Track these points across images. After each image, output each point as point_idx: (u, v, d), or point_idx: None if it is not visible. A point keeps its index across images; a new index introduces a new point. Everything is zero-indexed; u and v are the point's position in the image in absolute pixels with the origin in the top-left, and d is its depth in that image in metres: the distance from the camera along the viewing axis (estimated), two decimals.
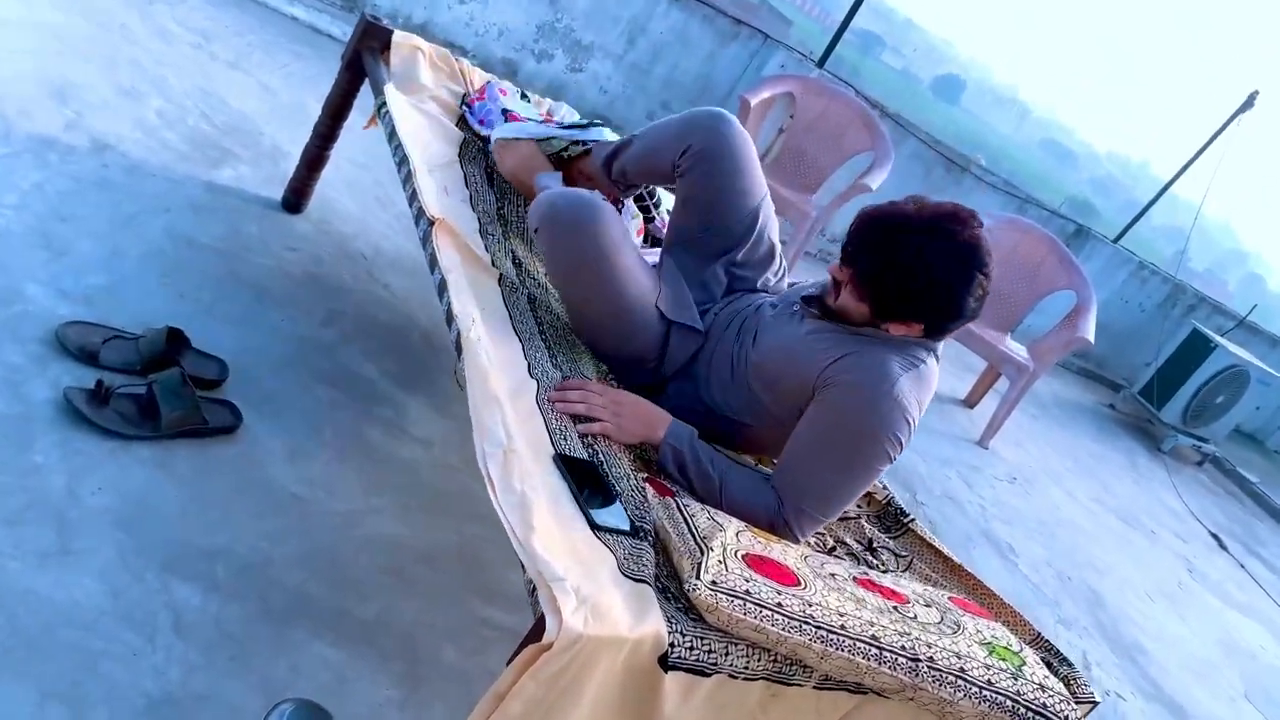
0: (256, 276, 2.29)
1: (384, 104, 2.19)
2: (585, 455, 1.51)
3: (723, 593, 1.22)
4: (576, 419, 1.58)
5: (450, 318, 1.64)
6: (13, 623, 1.34)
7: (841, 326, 1.73)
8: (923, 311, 1.65)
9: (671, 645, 1.16)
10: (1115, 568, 4.08)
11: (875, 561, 1.79)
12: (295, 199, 2.61)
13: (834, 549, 1.78)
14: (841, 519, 1.89)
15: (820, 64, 4.98)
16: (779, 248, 2.04)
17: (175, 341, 1.88)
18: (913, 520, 1.93)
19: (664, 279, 1.89)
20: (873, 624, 1.30)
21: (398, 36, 2.43)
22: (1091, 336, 4.27)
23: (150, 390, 1.74)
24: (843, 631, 1.26)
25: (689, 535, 1.34)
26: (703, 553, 1.27)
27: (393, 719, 1.53)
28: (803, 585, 1.31)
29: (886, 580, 1.50)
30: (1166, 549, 4.78)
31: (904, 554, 1.86)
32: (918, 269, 1.60)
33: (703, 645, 1.20)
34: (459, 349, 1.58)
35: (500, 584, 1.89)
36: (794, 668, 1.27)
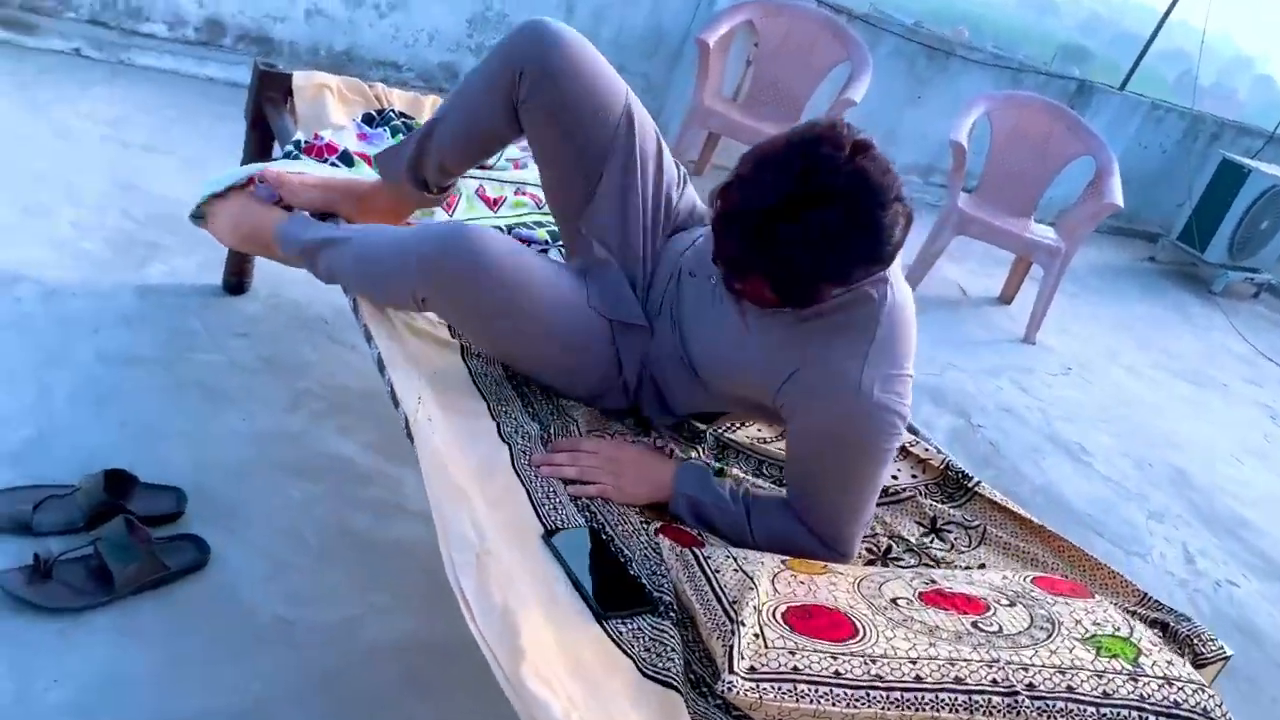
0: (204, 377, 2.08)
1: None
2: (581, 521, 1.30)
3: (766, 680, 1.00)
4: (569, 482, 1.37)
5: (395, 400, 1.43)
6: None
7: (761, 317, 1.42)
8: (843, 276, 1.30)
9: None
10: (1194, 437, 3.81)
11: (942, 549, 1.56)
12: (236, 279, 2.40)
13: (890, 550, 1.55)
14: (895, 502, 1.66)
15: None
16: (667, 149, 1.67)
17: (119, 483, 1.68)
18: (978, 484, 1.69)
19: (588, 273, 1.58)
20: (953, 661, 1.07)
21: (298, 79, 2.20)
22: (1120, 199, 3.97)
23: (96, 549, 1.54)
24: (919, 685, 1.03)
25: (716, 602, 1.12)
26: (733, 627, 1.05)
27: None
28: (861, 634, 1.08)
29: (958, 584, 1.28)
30: (1243, 400, 4.50)
31: (974, 523, 1.63)
32: (812, 250, 1.24)
33: None
34: (409, 435, 1.37)
35: None
36: None
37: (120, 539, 1.56)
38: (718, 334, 1.47)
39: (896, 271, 1.41)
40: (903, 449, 1.76)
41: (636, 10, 4.40)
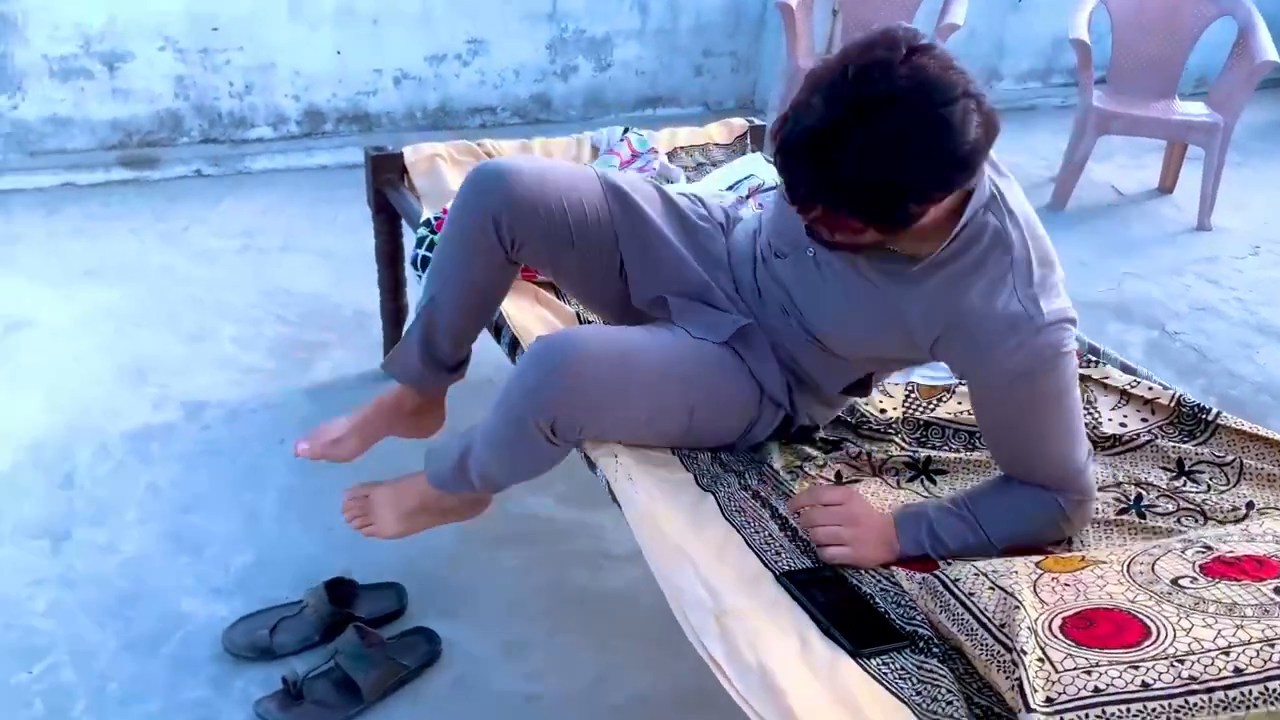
0: (387, 463, 2.10)
1: (424, 238, 1.96)
2: (808, 561, 1.24)
3: (1068, 710, 0.91)
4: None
5: (591, 464, 1.39)
6: None
7: (878, 268, 1.31)
8: (922, 185, 1.15)
9: None
10: None
11: (1198, 491, 1.42)
12: None
13: (1140, 498, 1.42)
14: (1132, 449, 1.53)
15: None
16: (669, 189, 1.62)
17: (341, 590, 1.72)
18: (1219, 415, 1.54)
19: (672, 319, 1.50)
20: (1271, 642, 0.95)
21: (409, 155, 2.22)
22: (1274, 54, 3.62)
23: (337, 664, 1.57)
24: (1242, 679, 0.92)
25: (982, 629, 1.03)
26: (1013, 656, 0.96)
27: None
28: (1155, 634, 0.98)
29: (1238, 543, 1.15)
30: None
31: (1228, 459, 1.48)
32: (879, 161, 1.12)
33: None
34: (614, 498, 1.33)
35: None
36: None
37: (356, 649, 1.58)
38: (839, 303, 1.37)
39: (1001, 181, 1.29)
40: (1123, 392, 1.62)
41: None
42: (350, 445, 1.72)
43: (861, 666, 1.07)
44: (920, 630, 1.10)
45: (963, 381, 1.49)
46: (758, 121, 2.58)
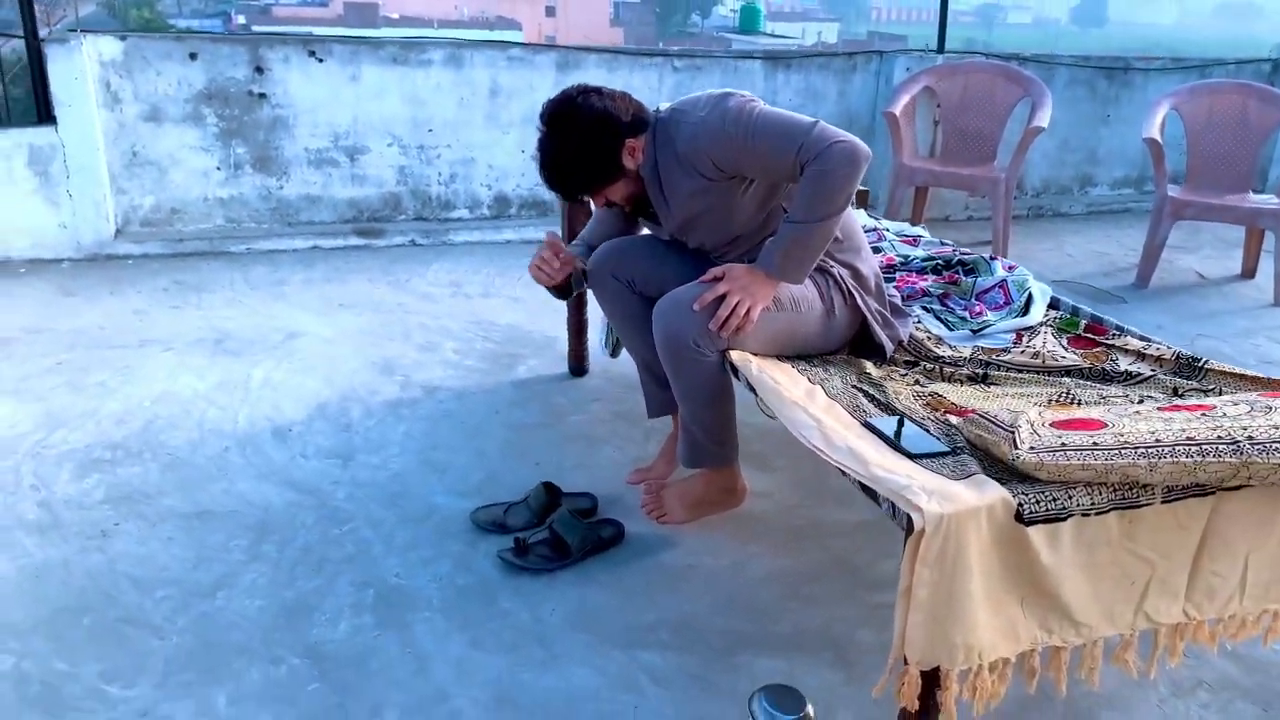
0: (580, 430, 2.77)
1: None
2: (889, 421, 1.82)
3: (1043, 453, 1.47)
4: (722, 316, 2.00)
5: (734, 369, 2.02)
6: (546, 712, 1.77)
7: (684, 190, 2.09)
8: (603, 156, 2.07)
9: (1020, 505, 1.43)
10: None
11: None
12: (578, 364, 3.12)
13: (1143, 401, 1.95)
14: (1141, 381, 2.05)
15: (940, 50, 5.20)
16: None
17: (552, 493, 2.36)
18: (1207, 361, 2.06)
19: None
20: (1184, 430, 1.50)
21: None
22: None
23: (553, 530, 2.20)
24: (1158, 445, 1.47)
25: (997, 427, 1.60)
26: (1013, 430, 1.53)
27: (843, 693, 1.83)
28: (1111, 426, 1.54)
29: (1191, 400, 1.69)
30: None
31: (1211, 387, 1.99)
32: (568, 163, 2.08)
33: (1046, 497, 1.45)
34: (751, 389, 1.95)
35: (881, 575, 2.17)
36: (1135, 491, 1.49)
37: (567, 520, 2.21)
38: (714, 216, 2.13)
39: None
40: (1139, 353, 2.16)
41: (825, 104, 5.04)
42: (659, 469, 2.45)
43: (917, 463, 1.63)
44: (960, 446, 1.67)
45: (727, 174, 2.07)
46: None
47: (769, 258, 2.02)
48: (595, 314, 3.09)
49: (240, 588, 2.06)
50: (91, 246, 3.96)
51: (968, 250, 2.75)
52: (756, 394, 1.94)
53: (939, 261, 2.66)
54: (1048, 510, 1.44)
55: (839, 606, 2.08)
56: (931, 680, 1.43)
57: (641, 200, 2.18)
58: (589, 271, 2.36)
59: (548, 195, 4.62)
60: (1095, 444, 1.48)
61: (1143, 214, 5.47)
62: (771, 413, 1.89)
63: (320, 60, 4.12)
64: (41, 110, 3.77)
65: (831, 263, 2.17)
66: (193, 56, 3.96)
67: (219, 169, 4.14)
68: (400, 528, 2.30)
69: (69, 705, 1.73)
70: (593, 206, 2.40)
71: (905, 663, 1.43)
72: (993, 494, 1.43)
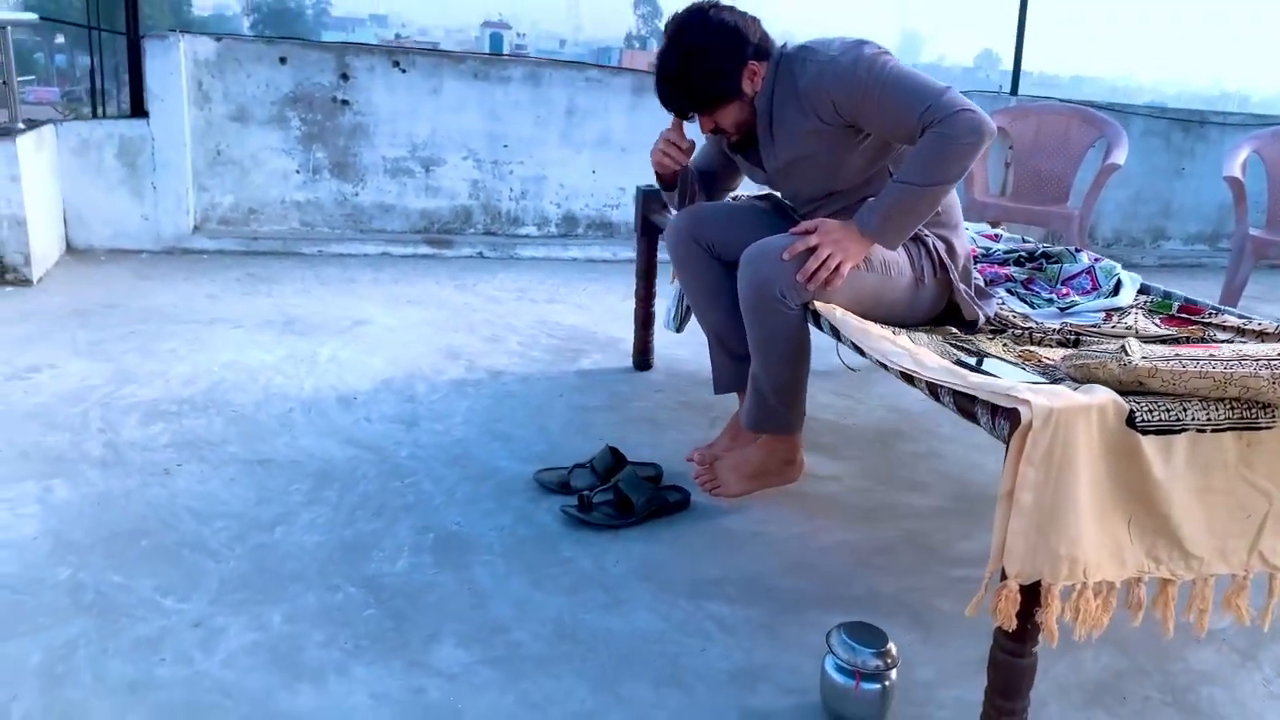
0: (645, 415, 2.72)
1: None
2: (973, 361, 1.75)
3: (1157, 360, 1.40)
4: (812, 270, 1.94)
5: (818, 319, 1.97)
6: (608, 648, 1.69)
7: (788, 134, 2.05)
8: (729, 69, 2.01)
9: (1132, 411, 1.34)
10: None
11: None
12: (642, 359, 3.08)
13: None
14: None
15: (1013, 91, 5.19)
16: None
17: (617, 457, 2.30)
18: None
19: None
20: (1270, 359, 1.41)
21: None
22: None
23: (618, 489, 2.14)
24: (1246, 363, 1.38)
25: (1104, 348, 1.51)
26: (1123, 349, 1.46)
27: (921, 650, 1.73)
28: (1225, 349, 1.46)
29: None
30: None
31: None
32: (691, 69, 2.02)
33: (1160, 407, 1.36)
34: (837, 336, 1.89)
35: (958, 552, 2.08)
36: (1254, 410, 1.40)
37: (633, 479, 2.15)
38: (812, 165, 2.10)
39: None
40: (1236, 328, 2.06)
41: None
42: (720, 445, 2.35)
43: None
44: (1059, 378, 1.59)
45: (844, 121, 2.01)
46: None
47: (869, 216, 1.96)
48: (660, 305, 3.08)
49: (299, 525, 2.03)
50: (170, 239, 4.05)
51: (1050, 245, 2.68)
52: (840, 339, 1.88)
53: (1021, 254, 2.60)
54: (1161, 420, 1.36)
55: (915, 577, 1.98)
56: (1031, 597, 1.33)
57: (748, 134, 2.13)
58: (666, 235, 2.34)
59: (615, 216, 4.65)
60: (1213, 356, 1.40)
61: (1217, 269, 5.35)
62: (853, 364, 1.84)
63: (404, 71, 4.22)
64: (136, 104, 3.89)
65: (927, 233, 2.12)
66: (283, 60, 4.08)
67: (298, 172, 4.23)
68: (462, 484, 2.25)
69: (122, 612, 1.70)
70: (699, 133, 2.33)
71: (1003, 577, 1.34)
72: (1104, 396, 1.34)
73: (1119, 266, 2.42)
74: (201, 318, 3.32)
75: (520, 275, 4.17)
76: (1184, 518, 1.39)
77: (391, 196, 4.35)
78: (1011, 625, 1.34)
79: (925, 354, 1.64)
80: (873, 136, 2.04)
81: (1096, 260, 2.47)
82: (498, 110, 4.36)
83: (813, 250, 1.94)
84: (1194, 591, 1.47)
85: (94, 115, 4.22)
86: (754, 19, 2.07)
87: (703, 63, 2.01)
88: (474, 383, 2.88)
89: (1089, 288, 2.35)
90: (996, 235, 2.87)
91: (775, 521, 2.17)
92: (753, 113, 2.09)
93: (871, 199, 2.00)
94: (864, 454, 2.56)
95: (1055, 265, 2.47)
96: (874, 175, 2.11)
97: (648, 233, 2.99)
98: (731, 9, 2.05)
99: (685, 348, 3.21)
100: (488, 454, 2.42)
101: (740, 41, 2.02)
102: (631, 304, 3.11)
